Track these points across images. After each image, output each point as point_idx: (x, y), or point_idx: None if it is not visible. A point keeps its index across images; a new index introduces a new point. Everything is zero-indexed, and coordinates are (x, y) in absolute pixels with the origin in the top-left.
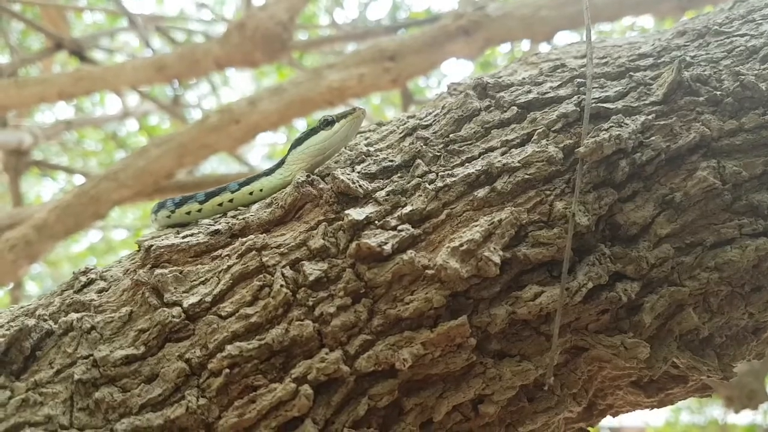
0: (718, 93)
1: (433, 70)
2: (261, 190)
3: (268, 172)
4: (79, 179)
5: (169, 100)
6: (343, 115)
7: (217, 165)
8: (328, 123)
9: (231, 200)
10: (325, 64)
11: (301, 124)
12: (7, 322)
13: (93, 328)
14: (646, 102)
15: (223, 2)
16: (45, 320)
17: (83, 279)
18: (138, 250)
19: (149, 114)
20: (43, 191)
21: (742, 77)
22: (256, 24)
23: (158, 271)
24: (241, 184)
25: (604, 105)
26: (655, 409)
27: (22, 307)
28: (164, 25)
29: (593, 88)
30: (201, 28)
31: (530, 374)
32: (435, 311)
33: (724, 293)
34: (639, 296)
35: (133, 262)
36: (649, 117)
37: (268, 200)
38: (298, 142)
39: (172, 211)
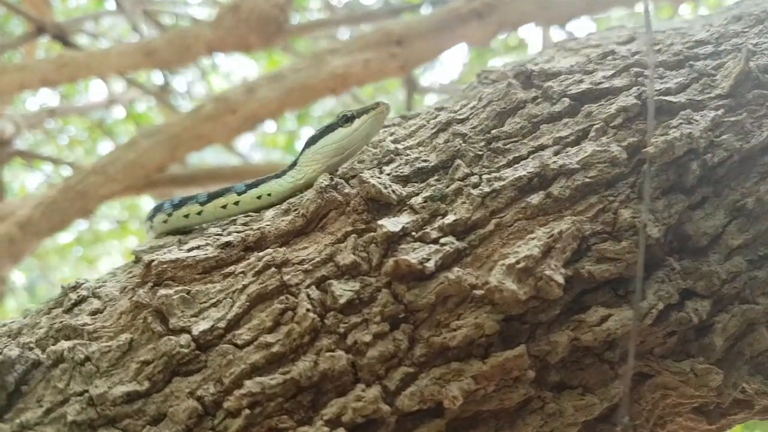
0: None
1: (442, 55)
2: (269, 195)
3: (279, 175)
4: (65, 170)
5: (156, 87)
6: (365, 111)
7: (210, 156)
8: (347, 119)
9: (236, 203)
10: (327, 49)
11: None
12: None
13: (88, 359)
14: (711, 95)
15: None
16: (30, 349)
17: (73, 296)
18: (135, 261)
19: (136, 101)
20: (28, 181)
21: None
22: (252, 6)
23: (162, 291)
24: (249, 186)
25: (666, 98)
26: None
27: (3, 325)
28: (153, 8)
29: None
30: (192, 12)
31: (595, 409)
32: (486, 339)
33: None
34: (709, 315)
35: (130, 276)
36: (718, 113)
37: (284, 206)
38: (313, 140)
39: (169, 214)
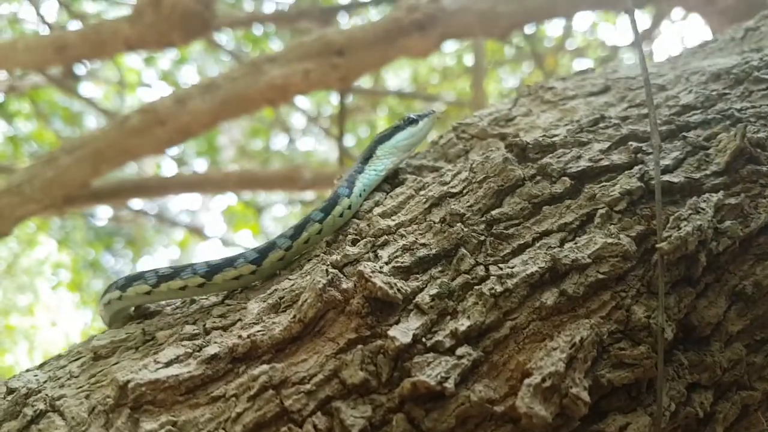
0: None
1: (384, 66)
2: (365, 190)
3: (359, 170)
4: None
5: (59, 73)
6: (425, 115)
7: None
8: (412, 121)
9: (347, 208)
10: (264, 57)
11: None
12: None
13: None
14: (707, 172)
15: None
16: None
17: (29, 412)
18: (94, 359)
19: (39, 87)
20: None
21: None
22: (174, 1)
23: (146, 426)
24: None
25: (667, 178)
26: None
27: None
28: None
29: (650, 154)
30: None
31: None
32: None
33: None
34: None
35: (94, 383)
36: (719, 195)
37: (271, 300)
38: (385, 138)
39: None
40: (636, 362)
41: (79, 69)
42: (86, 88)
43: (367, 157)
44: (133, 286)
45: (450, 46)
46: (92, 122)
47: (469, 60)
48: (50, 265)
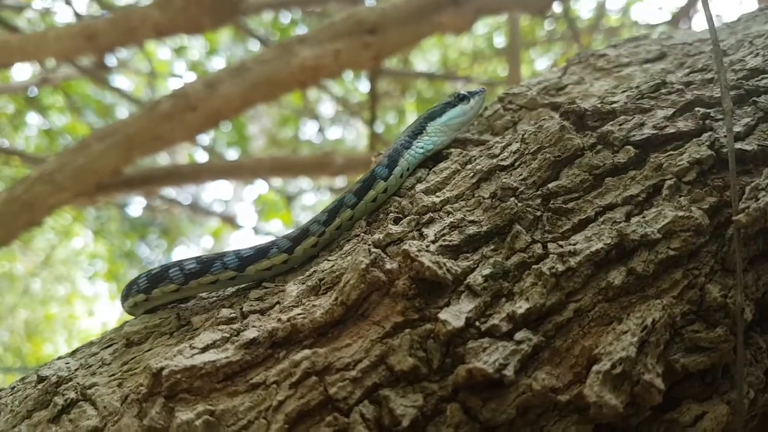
0: None
1: (417, 44)
2: (408, 169)
3: (406, 146)
4: None
5: (91, 63)
6: (476, 92)
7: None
8: (462, 98)
9: (385, 190)
10: (295, 38)
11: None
12: None
13: None
14: None
15: None
16: None
17: (60, 401)
18: (127, 345)
19: (71, 79)
20: None
21: None
22: None
23: (181, 416)
24: (359, 191)
25: (740, 147)
26: None
27: None
28: None
29: (719, 120)
30: None
31: None
32: None
33: None
34: None
35: (126, 370)
36: None
37: (311, 282)
38: (437, 114)
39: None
40: (712, 346)
41: (110, 60)
42: (117, 81)
43: (416, 132)
44: (159, 287)
45: (480, 28)
46: (124, 114)
47: (499, 42)
48: (86, 255)
